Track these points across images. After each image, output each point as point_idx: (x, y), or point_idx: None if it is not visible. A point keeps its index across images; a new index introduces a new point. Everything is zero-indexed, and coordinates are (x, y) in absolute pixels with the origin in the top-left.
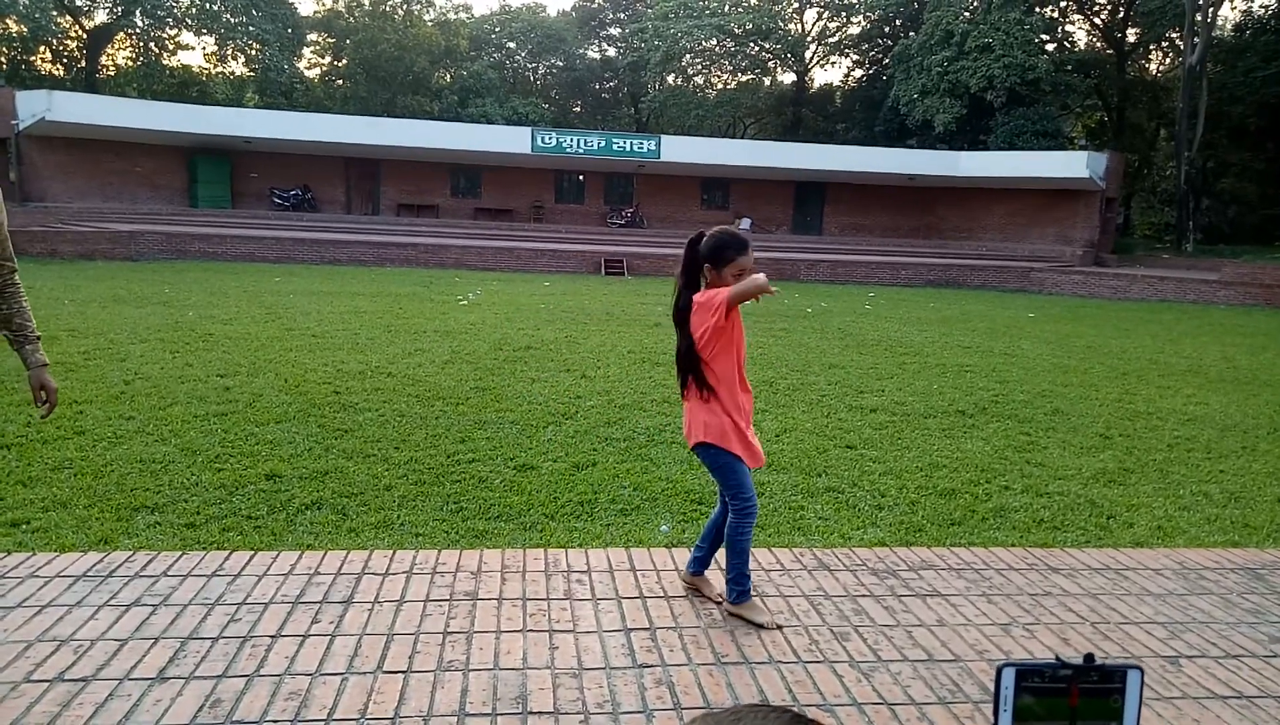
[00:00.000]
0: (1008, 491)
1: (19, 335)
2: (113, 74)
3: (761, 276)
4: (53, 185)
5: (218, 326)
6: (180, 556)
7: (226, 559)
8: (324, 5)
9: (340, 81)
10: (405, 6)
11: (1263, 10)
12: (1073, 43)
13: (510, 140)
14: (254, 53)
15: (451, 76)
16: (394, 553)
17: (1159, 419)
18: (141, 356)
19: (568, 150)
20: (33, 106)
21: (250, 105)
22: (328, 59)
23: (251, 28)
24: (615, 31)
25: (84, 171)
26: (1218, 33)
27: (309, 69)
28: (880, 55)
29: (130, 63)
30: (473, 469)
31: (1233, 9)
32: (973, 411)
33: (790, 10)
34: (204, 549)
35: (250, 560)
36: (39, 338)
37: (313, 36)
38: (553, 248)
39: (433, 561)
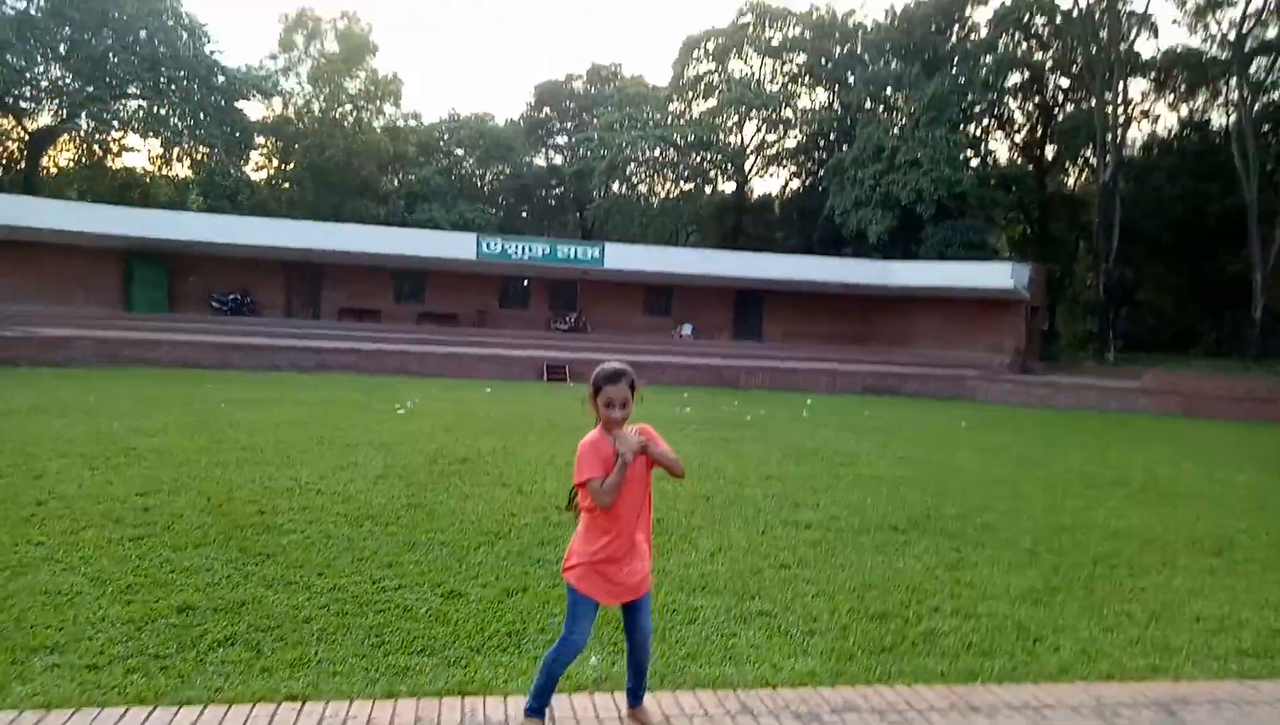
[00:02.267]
0: (937, 613)
1: None
2: (54, 174)
3: (623, 448)
4: None
5: (143, 439)
6: (72, 715)
7: (122, 718)
8: (273, 111)
9: (287, 185)
10: (355, 114)
11: (1166, 132)
12: (995, 159)
13: (455, 246)
14: (200, 156)
15: (399, 181)
16: (302, 705)
17: (1084, 533)
18: (58, 473)
19: (513, 256)
20: None
21: (194, 207)
22: (275, 162)
23: (200, 132)
24: (562, 141)
25: (17, 272)
26: (1128, 152)
27: (255, 171)
28: (816, 167)
29: (73, 164)
30: (398, 597)
31: (1139, 131)
32: (906, 526)
33: (730, 123)
34: (103, 692)
35: (148, 718)
36: None
37: (260, 140)
38: (496, 353)
39: (343, 714)
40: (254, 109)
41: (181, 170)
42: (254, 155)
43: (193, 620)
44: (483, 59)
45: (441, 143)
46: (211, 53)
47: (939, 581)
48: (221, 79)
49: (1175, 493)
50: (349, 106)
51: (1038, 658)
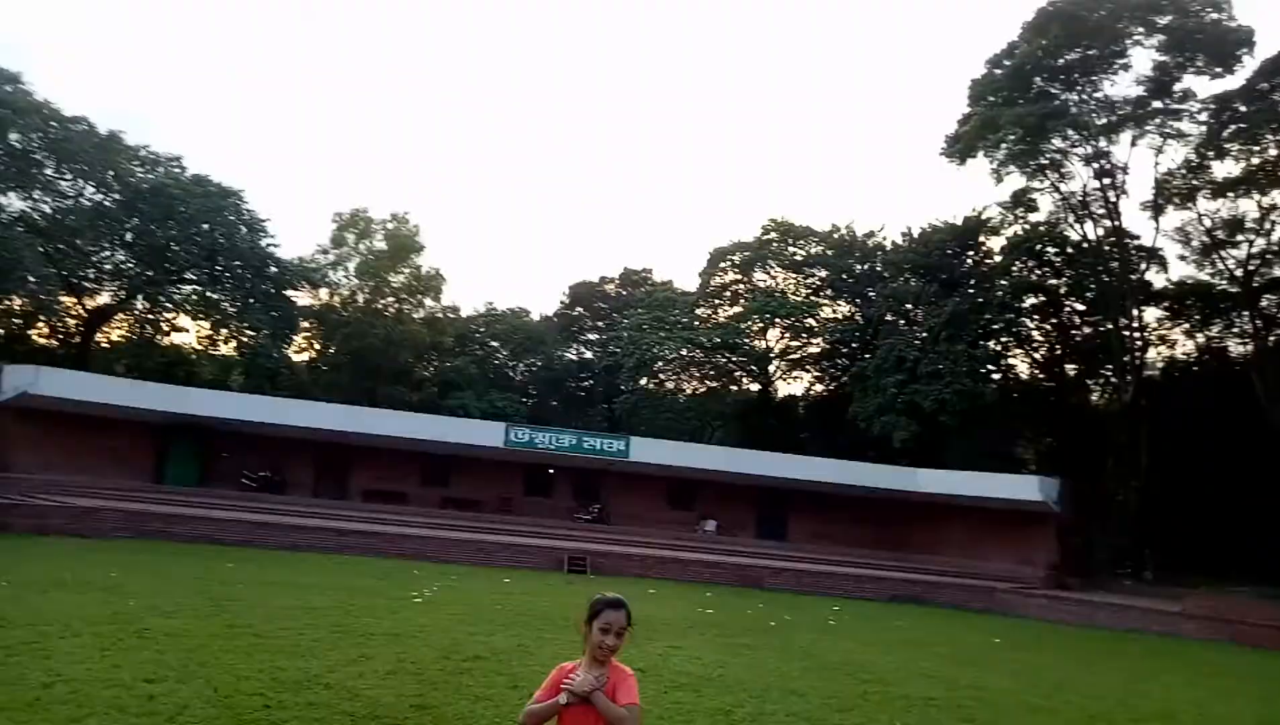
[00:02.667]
0: None
1: None
2: (106, 348)
3: (564, 691)
4: (22, 455)
5: (158, 619)
6: None
7: None
8: (320, 300)
9: (326, 368)
10: (397, 306)
11: (1185, 357)
12: (1017, 374)
13: (484, 434)
14: (246, 338)
15: (434, 369)
16: None
17: None
18: (68, 654)
19: (540, 445)
20: (18, 381)
21: (235, 386)
22: (317, 346)
23: (248, 316)
24: (593, 337)
25: (56, 443)
26: (1149, 373)
27: (297, 353)
28: (839, 373)
29: (124, 339)
30: None
31: (1158, 355)
32: None
33: (755, 329)
34: None
35: None
36: None
37: (305, 324)
38: (517, 542)
39: None
40: (302, 297)
41: (227, 350)
42: (297, 339)
43: None
44: (522, 256)
45: (478, 334)
46: (267, 245)
47: None
48: (274, 269)
49: None
50: (392, 298)
51: None
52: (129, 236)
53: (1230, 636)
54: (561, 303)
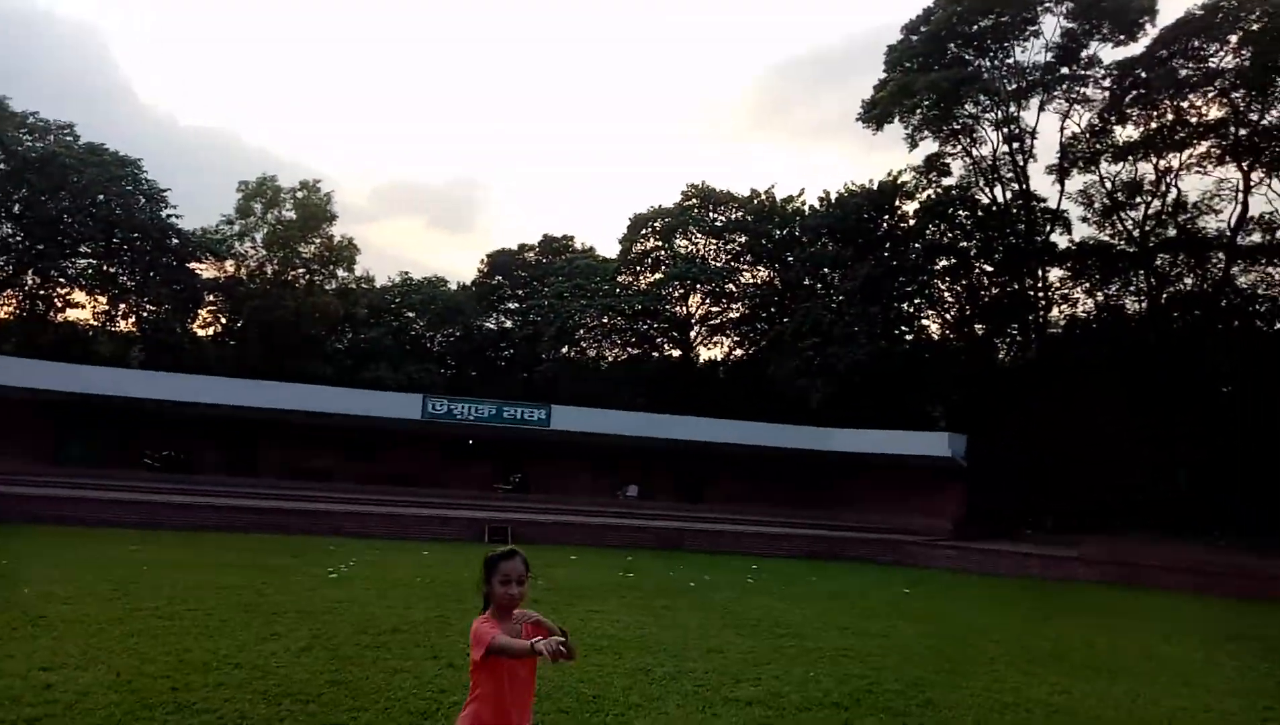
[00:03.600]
0: None
1: None
2: None
3: (542, 642)
4: None
5: (54, 606)
6: None
7: None
8: (226, 272)
9: (233, 343)
10: (308, 277)
11: (1085, 314)
12: (928, 334)
13: (401, 406)
14: (146, 314)
15: (349, 341)
16: None
17: (1026, 711)
18: None
19: (459, 417)
20: None
21: (134, 364)
22: (223, 320)
23: (148, 290)
24: (513, 306)
25: None
26: (1052, 330)
27: (202, 327)
28: (758, 337)
29: (11, 317)
30: None
31: (1060, 313)
32: (848, 703)
33: (676, 295)
34: None
35: None
36: None
37: (209, 297)
38: (437, 514)
39: None
40: (206, 269)
41: (126, 326)
42: (201, 313)
43: None
44: (440, 225)
45: (393, 305)
46: (168, 216)
47: None
48: (175, 241)
49: (1114, 667)
50: (302, 270)
51: None
52: (16, 209)
53: (1123, 579)
54: (480, 271)
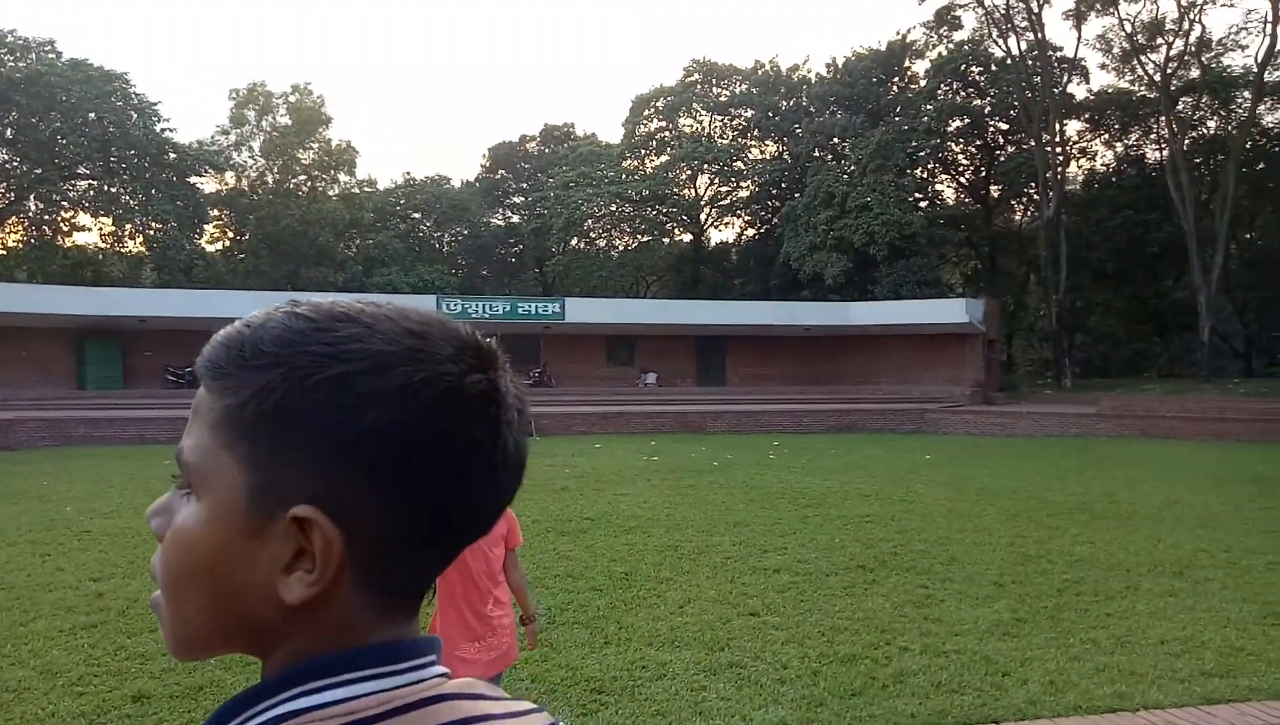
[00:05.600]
0: (907, 653)
1: None
2: (2, 255)
3: None
4: None
5: (97, 521)
6: None
7: None
8: (226, 184)
9: (242, 256)
10: (310, 184)
11: (1104, 168)
12: (944, 200)
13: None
14: (153, 232)
15: (356, 247)
16: None
17: (1049, 562)
18: (7, 563)
19: (473, 315)
20: None
21: (148, 283)
22: (230, 234)
23: (151, 208)
24: (519, 200)
25: None
26: (1070, 187)
27: (210, 243)
28: (769, 215)
29: (21, 245)
30: None
31: (1079, 168)
32: (873, 565)
33: (683, 177)
34: None
35: None
36: None
37: (214, 213)
38: None
39: None
40: (207, 183)
41: (134, 246)
42: (208, 228)
43: (148, 710)
44: (436, 122)
45: (398, 207)
46: (162, 130)
47: (907, 620)
48: (173, 156)
49: (1135, 516)
50: (303, 177)
51: (1006, 692)
52: (9, 133)
53: (1141, 432)
54: (482, 166)
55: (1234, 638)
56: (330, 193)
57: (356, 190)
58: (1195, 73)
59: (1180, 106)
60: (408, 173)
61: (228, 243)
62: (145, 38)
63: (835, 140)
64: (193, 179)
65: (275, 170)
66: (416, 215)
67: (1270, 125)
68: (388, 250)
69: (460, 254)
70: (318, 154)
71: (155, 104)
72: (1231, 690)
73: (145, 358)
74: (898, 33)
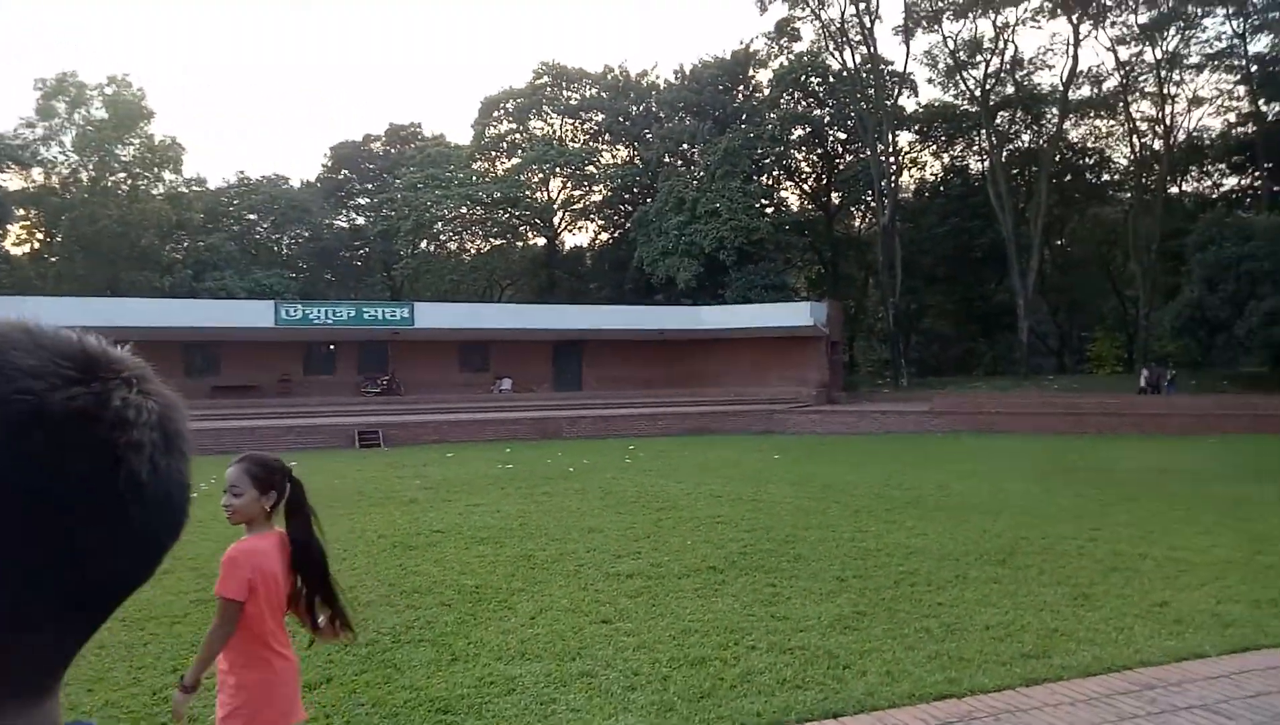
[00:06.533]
0: (754, 652)
1: None
2: None
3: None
4: None
5: None
6: None
7: None
8: (34, 181)
9: (54, 259)
10: (130, 182)
11: (933, 177)
12: (788, 206)
13: (251, 314)
14: None
15: (185, 250)
16: None
17: (887, 555)
18: None
19: (315, 321)
20: None
21: None
22: (39, 236)
23: None
24: (364, 201)
25: None
26: (903, 195)
27: (16, 245)
28: (623, 220)
29: None
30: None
31: (911, 177)
32: (723, 566)
33: (536, 180)
34: None
35: None
36: None
37: (19, 212)
38: (301, 423)
39: None
40: (10, 180)
41: None
42: (12, 229)
43: None
44: (272, 120)
45: (231, 208)
46: None
47: (755, 619)
48: None
49: (965, 507)
50: (123, 175)
51: (846, 685)
52: None
53: (971, 427)
54: (324, 166)
55: (1049, 620)
56: (154, 192)
57: (184, 189)
58: (1010, 89)
59: (998, 120)
60: (241, 172)
61: (36, 245)
62: None
63: (685, 146)
64: None
65: (90, 167)
66: (252, 216)
67: (1075, 140)
68: (220, 253)
69: (301, 257)
70: (139, 150)
71: None
72: (1047, 670)
73: None
74: (741, 42)
